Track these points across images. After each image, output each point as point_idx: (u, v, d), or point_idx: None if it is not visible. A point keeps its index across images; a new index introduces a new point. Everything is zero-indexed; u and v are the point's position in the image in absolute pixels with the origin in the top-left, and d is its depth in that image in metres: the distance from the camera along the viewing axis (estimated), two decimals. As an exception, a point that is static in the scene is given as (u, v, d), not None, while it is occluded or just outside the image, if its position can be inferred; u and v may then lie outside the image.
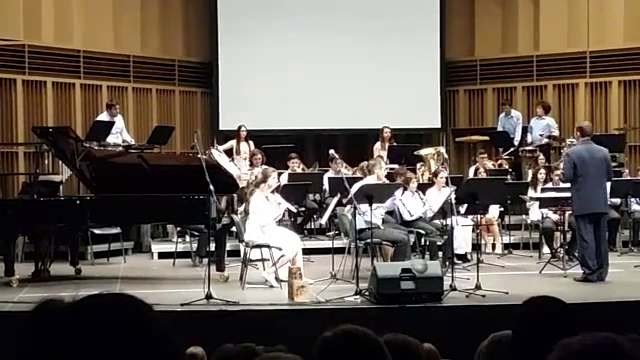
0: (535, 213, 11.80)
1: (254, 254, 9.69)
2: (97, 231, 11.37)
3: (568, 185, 9.82)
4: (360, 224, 9.29)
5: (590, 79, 15.13)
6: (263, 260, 9.67)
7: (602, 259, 9.43)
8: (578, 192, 9.46)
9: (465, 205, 10.29)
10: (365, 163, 10.86)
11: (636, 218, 12.33)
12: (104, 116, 12.88)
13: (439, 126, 15.93)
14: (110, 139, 12.48)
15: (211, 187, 8.48)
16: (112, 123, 12.59)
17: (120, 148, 12.24)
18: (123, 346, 1.32)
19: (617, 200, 12.08)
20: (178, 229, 11.76)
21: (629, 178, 12.61)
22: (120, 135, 12.84)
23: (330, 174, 12.67)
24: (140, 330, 1.35)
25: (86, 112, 13.86)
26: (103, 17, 14.21)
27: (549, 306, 2.91)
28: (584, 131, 9.78)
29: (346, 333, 2.16)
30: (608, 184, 10.05)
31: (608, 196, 10.05)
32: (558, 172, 10.79)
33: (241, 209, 10.13)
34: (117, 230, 11.56)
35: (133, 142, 12.90)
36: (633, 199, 12.13)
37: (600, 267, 9.36)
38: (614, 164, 13.07)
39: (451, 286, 8.36)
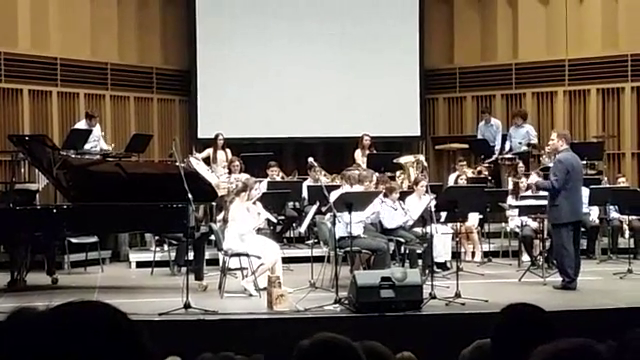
0: (515, 221, 11.83)
1: (233, 263, 9.66)
2: (74, 240, 11.26)
3: (545, 193, 9.81)
4: (339, 232, 9.27)
5: (569, 87, 15.22)
6: (242, 269, 9.62)
7: (578, 266, 9.48)
8: (567, 200, 9.39)
9: (445, 213, 10.30)
10: (349, 172, 10.78)
11: (615, 226, 12.38)
12: (82, 124, 12.77)
13: (419, 134, 15.96)
14: (87, 147, 12.39)
15: (189, 195, 8.43)
16: (89, 131, 12.50)
17: (97, 156, 12.15)
18: (98, 354, 1.31)
19: (595, 208, 12.15)
20: (156, 238, 11.70)
21: (608, 186, 12.67)
22: (98, 143, 12.75)
23: (309, 182, 12.66)
24: (115, 338, 1.34)
25: (63, 120, 13.76)
26: (80, 25, 14.11)
27: (528, 313, 2.90)
28: (568, 139, 9.83)
29: (324, 342, 2.14)
30: (586, 191, 10.03)
31: (587, 203, 10.07)
32: (534, 180, 10.76)
33: (220, 217, 10.09)
34: (94, 239, 11.44)
35: (110, 150, 12.79)
36: (612, 207, 12.17)
37: (577, 274, 9.40)
38: (593, 172, 13.18)
39: (431, 294, 8.35)
